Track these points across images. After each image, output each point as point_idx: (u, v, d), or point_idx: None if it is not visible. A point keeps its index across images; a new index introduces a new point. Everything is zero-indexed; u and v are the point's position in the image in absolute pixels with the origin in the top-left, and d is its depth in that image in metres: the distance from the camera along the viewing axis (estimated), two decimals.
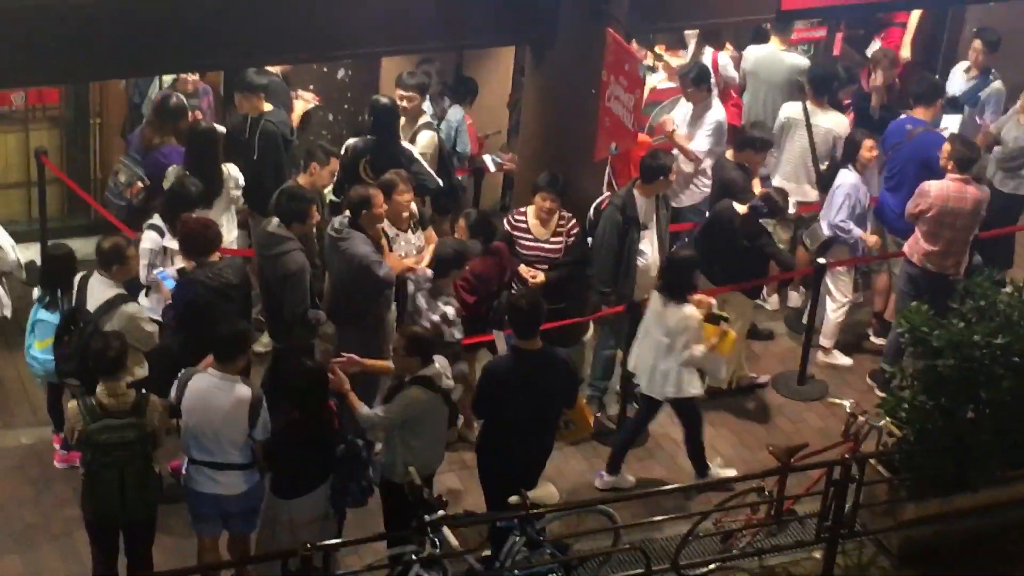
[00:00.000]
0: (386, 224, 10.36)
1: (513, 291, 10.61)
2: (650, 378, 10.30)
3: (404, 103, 11.56)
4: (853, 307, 12.39)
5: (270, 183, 11.02)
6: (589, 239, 11.01)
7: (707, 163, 12.23)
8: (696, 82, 12.27)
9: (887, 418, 9.99)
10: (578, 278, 11.00)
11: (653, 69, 13.24)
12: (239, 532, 9.08)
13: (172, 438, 9.05)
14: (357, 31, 10.38)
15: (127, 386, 8.59)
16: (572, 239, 10.93)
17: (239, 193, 11.10)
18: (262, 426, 8.70)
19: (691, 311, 10.11)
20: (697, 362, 10.22)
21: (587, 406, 10.75)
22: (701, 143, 12.24)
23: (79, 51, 9.70)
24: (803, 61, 13.29)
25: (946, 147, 11.48)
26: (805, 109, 12.43)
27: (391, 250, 10.35)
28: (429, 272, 10.06)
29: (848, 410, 10.00)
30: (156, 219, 10.28)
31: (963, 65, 13.64)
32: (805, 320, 12.01)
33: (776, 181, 12.39)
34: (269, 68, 11.71)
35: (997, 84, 13.29)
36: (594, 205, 11.07)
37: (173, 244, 10.04)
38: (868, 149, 11.81)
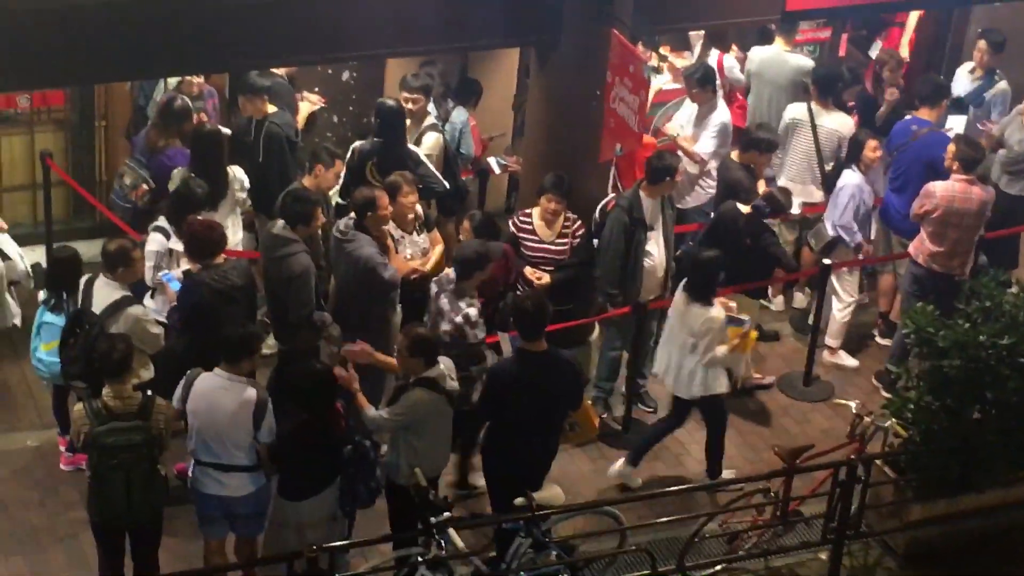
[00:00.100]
0: (391, 226, 10.37)
1: (518, 293, 10.61)
2: (676, 378, 10.30)
3: (409, 105, 11.54)
4: (859, 308, 12.35)
5: (275, 185, 11.03)
6: (594, 240, 11.01)
7: (712, 164, 12.23)
8: (701, 83, 12.28)
9: (893, 419, 9.96)
10: (583, 280, 10.99)
11: (658, 70, 13.25)
12: (246, 534, 9.07)
13: (177, 440, 9.05)
14: (361, 33, 10.38)
15: (133, 388, 8.59)
16: (577, 240, 10.92)
17: (244, 195, 11.10)
18: (267, 428, 8.69)
19: (716, 312, 10.09)
20: (719, 362, 10.22)
21: (592, 407, 10.76)
22: (706, 144, 12.24)
23: (84, 54, 9.71)
24: (808, 62, 13.27)
25: (951, 148, 11.47)
26: (810, 110, 12.43)
27: (396, 252, 10.36)
28: (452, 274, 10.05)
29: (854, 411, 9.97)
30: (161, 221, 10.28)
31: (968, 66, 13.62)
32: (811, 321, 12.02)
33: (781, 182, 12.37)
34: (274, 70, 11.73)
35: (1003, 84, 13.26)
36: (599, 206, 11.05)
37: (178, 246, 10.04)
38: (872, 149, 11.79)
